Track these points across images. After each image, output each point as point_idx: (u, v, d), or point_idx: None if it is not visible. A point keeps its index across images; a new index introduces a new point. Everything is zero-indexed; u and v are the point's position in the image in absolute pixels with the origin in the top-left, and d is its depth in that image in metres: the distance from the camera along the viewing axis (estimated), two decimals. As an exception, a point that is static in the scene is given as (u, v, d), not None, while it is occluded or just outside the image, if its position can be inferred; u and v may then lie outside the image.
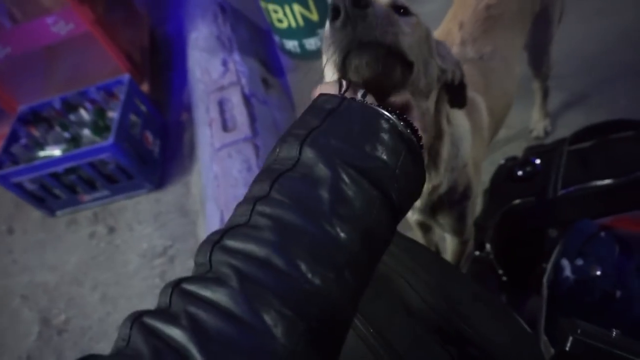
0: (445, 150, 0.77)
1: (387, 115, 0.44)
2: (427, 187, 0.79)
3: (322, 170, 0.41)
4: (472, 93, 0.93)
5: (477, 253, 1.35)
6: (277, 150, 0.45)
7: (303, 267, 0.37)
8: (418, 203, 0.86)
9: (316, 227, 0.39)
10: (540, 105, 1.58)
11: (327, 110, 0.45)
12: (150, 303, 1.82)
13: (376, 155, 0.42)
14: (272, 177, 0.42)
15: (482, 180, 1.05)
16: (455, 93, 0.73)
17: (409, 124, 0.47)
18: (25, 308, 1.99)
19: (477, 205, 1.05)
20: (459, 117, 0.83)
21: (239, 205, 0.43)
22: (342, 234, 0.39)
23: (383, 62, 0.51)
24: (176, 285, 0.38)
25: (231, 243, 0.39)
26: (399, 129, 0.44)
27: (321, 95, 0.48)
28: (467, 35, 1.01)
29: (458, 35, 1.01)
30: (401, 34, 0.54)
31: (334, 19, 0.51)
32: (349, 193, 0.40)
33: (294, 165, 0.42)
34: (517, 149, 1.55)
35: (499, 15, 1.03)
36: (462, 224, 0.98)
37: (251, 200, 0.42)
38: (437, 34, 1.09)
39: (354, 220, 0.40)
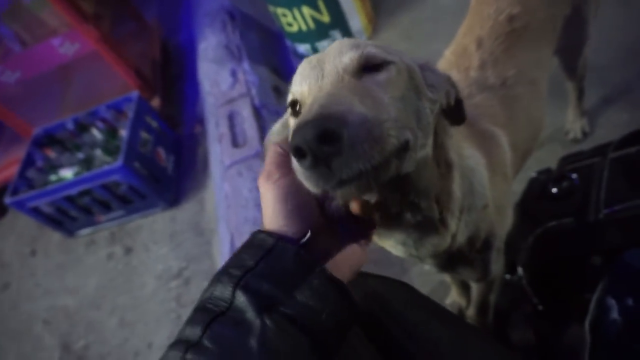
0: (457, 187, 0.64)
1: (317, 265, 0.46)
2: (444, 240, 0.66)
3: (252, 317, 0.42)
4: (490, 127, 0.80)
5: (507, 276, 1.21)
6: (212, 287, 0.45)
7: None
8: (430, 259, 0.73)
9: None
10: (576, 104, 1.41)
11: (263, 251, 0.45)
12: (167, 329, 1.78)
13: (304, 302, 0.44)
14: (205, 320, 0.43)
15: (509, 224, 0.92)
16: (452, 111, 0.62)
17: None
18: (46, 333, 1.98)
19: (502, 252, 0.92)
20: (469, 149, 0.71)
21: (172, 346, 0.44)
22: None
23: (374, 180, 0.43)
24: None
25: None
26: (328, 274, 0.46)
27: (258, 233, 0.48)
28: (486, 56, 0.86)
29: (476, 55, 0.86)
30: (390, 128, 0.43)
31: (300, 158, 0.40)
32: (277, 342, 0.42)
33: (227, 309, 0.43)
34: (550, 155, 1.39)
35: (524, 27, 0.88)
36: (485, 274, 0.85)
37: (182, 346, 0.42)
38: (449, 52, 0.95)
39: None
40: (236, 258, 0.47)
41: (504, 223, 0.85)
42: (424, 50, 2.02)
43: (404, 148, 0.46)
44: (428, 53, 2.07)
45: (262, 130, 1.77)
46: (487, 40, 0.88)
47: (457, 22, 1.14)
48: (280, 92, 2.09)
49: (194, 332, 0.43)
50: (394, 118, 0.44)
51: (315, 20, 2.02)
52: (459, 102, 0.61)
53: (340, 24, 2.06)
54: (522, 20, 0.88)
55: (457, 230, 0.67)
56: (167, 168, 2.13)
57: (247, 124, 1.80)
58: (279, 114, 1.96)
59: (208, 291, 0.45)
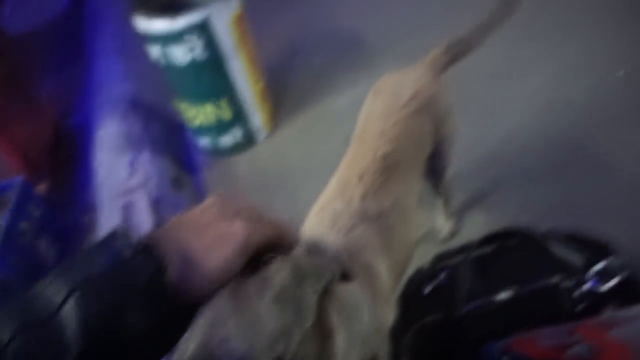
0: (340, 347, 0.67)
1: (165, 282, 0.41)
2: None
3: (71, 339, 0.37)
4: (371, 259, 0.91)
5: (393, 370, 1.30)
6: (49, 282, 0.40)
7: None
8: None
9: None
10: (443, 209, 1.64)
11: (115, 259, 0.41)
12: None
13: (136, 329, 0.40)
14: (18, 323, 0.37)
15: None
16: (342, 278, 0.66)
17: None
18: None
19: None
20: (352, 294, 0.78)
21: None
22: None
23: None
24: None
25: None
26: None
27: (120, 231, 0.43)
28: (367, 188, 0.99)
29: (358, 187, 0.99)
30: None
31: None
32: None
33: (48, 320, 0.37)
34: (427, 252, 1.57)
35: (396, 163, 1.04)
36: None
37: None
38: (334, 182, 1.07)
39: None
40: (84, 258, 0.42)
41: (384, 342, 0.93)
42: (319, 149, 2.21)
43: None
44: (322, 152, 2.26)
45: (159, 224, 1.76)
46: (367, 174, 1.01)
47: (348, 126, 1.28)
48: (180, 183, 2.11)
49: (2, 332, 0.37)
50: (268, 333, 0.46)
51: (217, 116, 2.14)
52: (345, 276, 0.64)
53: (241, 120, 2.20)
54: (394, 157, 1.05)
55: None
56: (47, 260, 1.98)
57: (143, 217, 1.79)
58: (177, 207, 1.98)
59: (44, 282, 0.40)
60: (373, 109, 1.15)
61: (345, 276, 0.65)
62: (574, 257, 1.12)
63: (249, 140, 2.27)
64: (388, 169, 1.03)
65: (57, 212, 2.16)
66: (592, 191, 1.73)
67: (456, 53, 1.41)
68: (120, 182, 1.96)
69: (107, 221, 1.82)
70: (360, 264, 0.88)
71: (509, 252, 1.25)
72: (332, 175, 1.15)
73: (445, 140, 1.27)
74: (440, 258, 1.40)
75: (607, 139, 1.91)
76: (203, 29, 1.84)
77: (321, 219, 0.96)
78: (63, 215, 2.23)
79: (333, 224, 0.94)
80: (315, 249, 0.63)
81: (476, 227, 1.69)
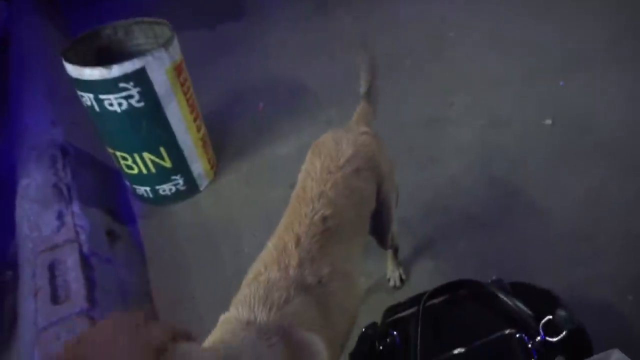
0: None
1: None
2: None
3: None
4: (307, 335, 0.84)
5: None
6: None
7: None
8: None
9: None
10: (392, 259, 1.63)
11: None
12: None
13: None
14: None
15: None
16: None
17: None
18: None
19: None
20: None
21: None
22: None
23: None
24: None
25: None
26: None
27: None
28: (304, 254, 0.95)
29: (295, 253, 0.94)
30: None
31: None
32: None
33: None
34: (377, 303, 1.54)
35: (336, 225, 1.01)
36: None
37: None
38: (271, 244, 1.01)
39: None
40: None
41: None
42: (263, 196, 2.16)
43: None
44: (266, 199, 2.21)
45: (90, 282, 1.61)
46: (304, 239, 0.96)
47: (292, 171, 1.25)
48: (114, 235, 1.96)
49: None
50: None
51: (156, 165, 2.04)
52: None
53: (182, 169, 2.11)
54: (334, 220, 1.00)
55: None
56: (-43, 328, 1.74)
57: (72, 275, 1.63)
58: (111, 262, 1.83)
59: None
60: (312, 169, 1.11)
61: None
62: (522, 308, 1.13)
63: (190, 188, 2.18)
64: (327, 232, 0.98)
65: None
66: (530, 233, 1.80)
67: (373, 96, 1.44)
68: (47, 237, 1.79)
69: (30, 279, 1.64)
70: (296, 343, 0.81)
71: (460, 303, 1.25)
72: (277, 224, 1.09)
73: (387, 197, 1.25)
74: (390, 312, 1.37)
75: (540, 183, 2.02)
76: (140, 78, 1.77)
77: (255, 290, 0.88)
78: (-22, 274, 2.00)
79: (267, 296, 0.87)
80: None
81: (425, 274, 1.70)
